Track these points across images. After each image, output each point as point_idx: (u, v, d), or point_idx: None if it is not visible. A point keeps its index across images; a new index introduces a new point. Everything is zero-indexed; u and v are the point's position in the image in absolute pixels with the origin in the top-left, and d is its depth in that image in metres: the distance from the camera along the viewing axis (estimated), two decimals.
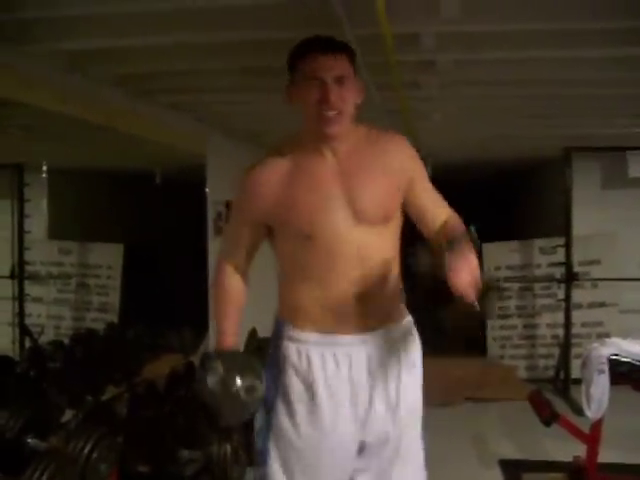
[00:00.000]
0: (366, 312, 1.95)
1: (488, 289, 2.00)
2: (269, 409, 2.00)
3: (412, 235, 2.21)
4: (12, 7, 2.58)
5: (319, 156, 1.95)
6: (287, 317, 2.04)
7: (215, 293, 2.12)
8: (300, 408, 1.96)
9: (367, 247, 1.93)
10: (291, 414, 1.97)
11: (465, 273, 1.65)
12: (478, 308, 1.63)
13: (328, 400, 1.95)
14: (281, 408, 1.99)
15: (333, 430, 1.95)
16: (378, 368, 1.97)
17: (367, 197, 1.92)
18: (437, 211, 2.09)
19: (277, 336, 2.06)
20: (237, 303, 2.11)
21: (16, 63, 2.95)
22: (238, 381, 1.81)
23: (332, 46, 1.90)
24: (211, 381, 1.81)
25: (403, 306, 2.12)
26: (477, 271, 1.68)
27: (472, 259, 1.70)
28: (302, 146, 1.98)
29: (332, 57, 1.87)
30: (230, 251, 2.11)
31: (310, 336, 1.97)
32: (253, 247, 2.09)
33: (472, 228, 1.94)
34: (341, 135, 1.92)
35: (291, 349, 1.99)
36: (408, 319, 2.12)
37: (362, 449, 2.02)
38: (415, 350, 2.09)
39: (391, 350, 1.99)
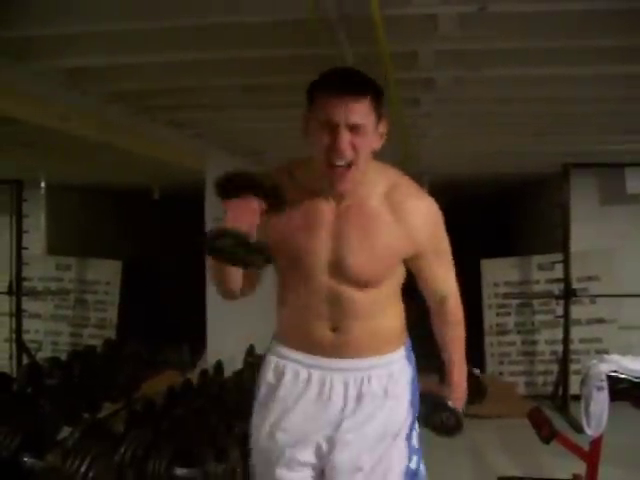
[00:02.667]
0: (342, 346, 1.90)
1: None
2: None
3: None
4: (11, 25, 2.60)
5: (322, 198, 1.84)
6: (275, 332, 2.04)
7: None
8: (268, 418, 1.95)
9: (342, 300, 1.86)
10: (261, 422, 1.97)
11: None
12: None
13: (293, 417, 1.92)
14: (256, 416, 2.00)
15: (292, 447, 1.92)
16: (352, 396, 1.91)
17: (352, 262, 1.81)
18: (439, 284, 1.99)
19: (267, 350, 2.07)
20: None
21: (16, 80, 2.96)
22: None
23: (354, 88, 1.71)
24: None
25: (395, 339, 1.99)
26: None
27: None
28: (310, 179, 1.85)
29: (351, 101, 1.69)
30: None
31: (289, 352, 1.96)
32: None
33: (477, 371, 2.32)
34: (349, 191, 1.80)
35: (271, 361, 2.00)
36: (399, 353, 1.99)
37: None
38: (398, 384, 1.96)
39: (370, 382, 1.92)
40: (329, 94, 1.71)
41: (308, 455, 1.93)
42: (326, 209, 1.84)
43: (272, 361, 2.00)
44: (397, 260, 1.88)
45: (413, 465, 1.98)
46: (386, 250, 1.83)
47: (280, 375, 1.96)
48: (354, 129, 1.70)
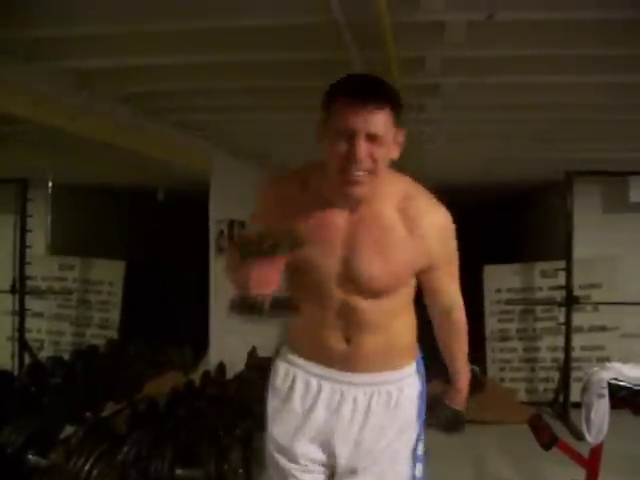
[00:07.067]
0: (356, 358, 1.87)
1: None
2: None
3: None
4: (21, 25, 2.62)
5: (336, 208, 1.78)
6: (286, 339, 2.02)
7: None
8: (275, 423, 1.95)
9: (354, 311, 1.81)
10: (277, 430, 1.96)
11: None
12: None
13: (300, 425, 1.92)
14: (271, 423, 1.98)
15: (306, 455, 1.92)
16: (362, 414, 1.89)
17: (365, 272, 1.76)
18: (446, 297, 1.96)
19: (276, 356, 2.05)
20: None
21: (25, 81, 2.98)
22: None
23: (375, 96, 1.65)
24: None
25: (407, 353, 1.98)
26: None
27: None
28: (323, 185, 1.79)
29: (372, 110, 1.63)
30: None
31: (300, 360, 1.94)
32: None
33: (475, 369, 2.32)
34: (364, 198, 1.74)
35: (281, 368, 1.98)
36: (410, 367, 1.98)
37: None
38: (410, 406, 1.95)
39: (380, 397, 1.90)
40: (349, 101, 1.64)
41: (320, 460, 1.93)
42: (339, 219, 1.78)
43: (282, 368, 1.98)
44: (410, 273, 1.84)
45: (417, 473, 1.99)
46: (399, 263, 1.78)
47: (291, 383, 1.94)
48: (373, 139, 1.64)
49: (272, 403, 1.98)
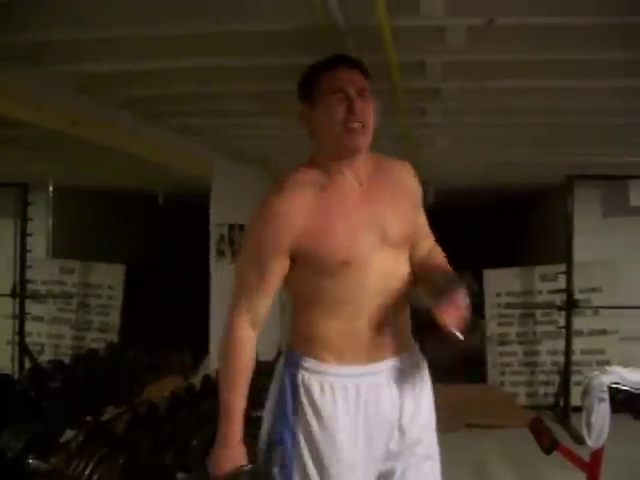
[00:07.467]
0: (387, 340, 1.92)
1: (475, 327, 1.97)
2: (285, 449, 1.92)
3: None
4: (24, 29, 2.62)
5: (343, 180, 1.89)
6: (306, 349, 1.94)
7: (227, 365, 1.92)
8: (322, 443, 1.89)
9: (390, 271, 1.92)
10: (312, 449, 1.90)
11: (453, 311, 1.79)
12: (462, 339, 1.77)
13: (349, 434, 1.89)
14: (301, 446, 1.90)
15: (353, 463, 1.90)
16: (399, 398, 1.94)
17: (393, 219, 1.91)
18: (425, 241, 2.14)
19: (292, 369, 1.95)
20: (248, 378, 1.93)
21: (27, 85, 2.99)
22: None
23: (352, 62, 1.91)
24: None
25: (411, 338, 2.06)
26: (464, 311, 1.82)
27: (461, 298, 1.84)
28: (323, 171, 1.90)
29: (351, 70, 1.87)
30: (249, 299, 1.91)
31: (333, 368, 1.90)
32: (275, 286, 1.91)
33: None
34: (365, 149, 1.90)
35: (312, 382, 1.90)
36: (417, 346, 2.09)
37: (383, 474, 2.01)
38: (426, 374, 2.07)
39: (409, 378, 1.98)
40: (333, 70, 1.87)
41: (376, 463, 1.96)
42: (352, 187, 1.91)
43: (315, 382, 1.91)
44: (416, 217, 2.05)
45: None
46: (409, 204, 2.00)
47: (331, 397, 1.89)
48: (361, 94, 1.84)
49: (311, 423, 1.90)
